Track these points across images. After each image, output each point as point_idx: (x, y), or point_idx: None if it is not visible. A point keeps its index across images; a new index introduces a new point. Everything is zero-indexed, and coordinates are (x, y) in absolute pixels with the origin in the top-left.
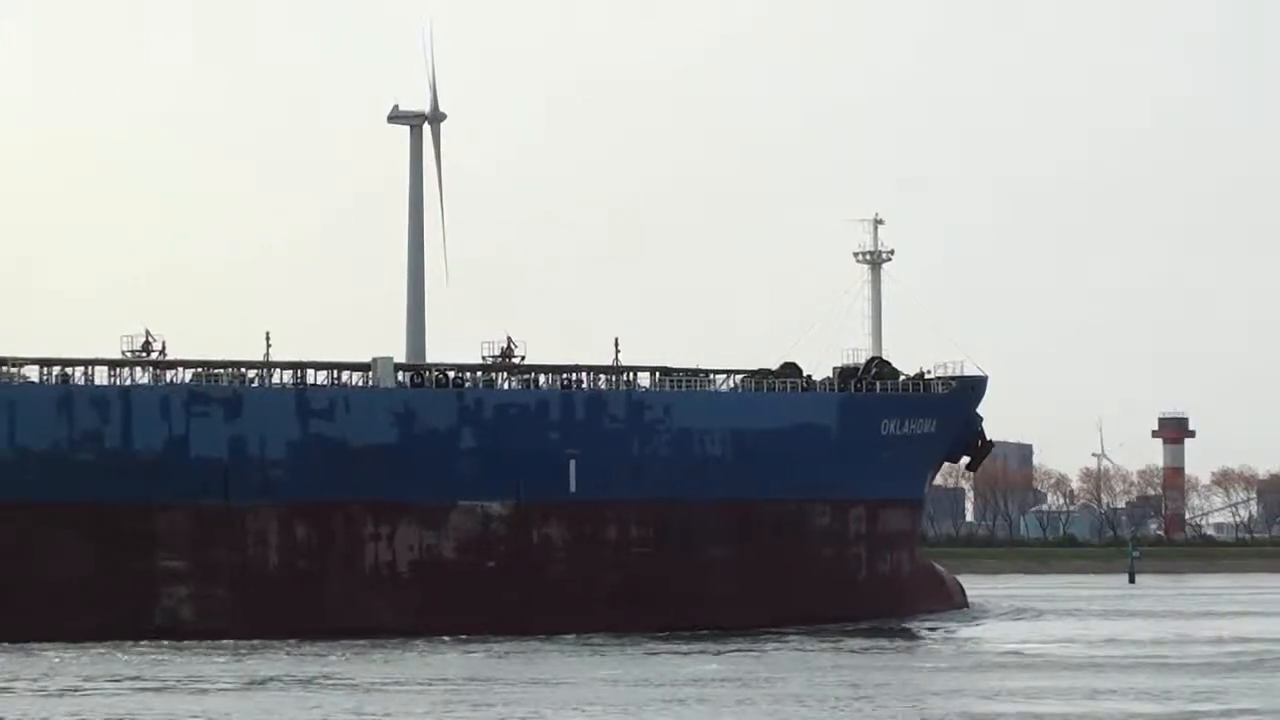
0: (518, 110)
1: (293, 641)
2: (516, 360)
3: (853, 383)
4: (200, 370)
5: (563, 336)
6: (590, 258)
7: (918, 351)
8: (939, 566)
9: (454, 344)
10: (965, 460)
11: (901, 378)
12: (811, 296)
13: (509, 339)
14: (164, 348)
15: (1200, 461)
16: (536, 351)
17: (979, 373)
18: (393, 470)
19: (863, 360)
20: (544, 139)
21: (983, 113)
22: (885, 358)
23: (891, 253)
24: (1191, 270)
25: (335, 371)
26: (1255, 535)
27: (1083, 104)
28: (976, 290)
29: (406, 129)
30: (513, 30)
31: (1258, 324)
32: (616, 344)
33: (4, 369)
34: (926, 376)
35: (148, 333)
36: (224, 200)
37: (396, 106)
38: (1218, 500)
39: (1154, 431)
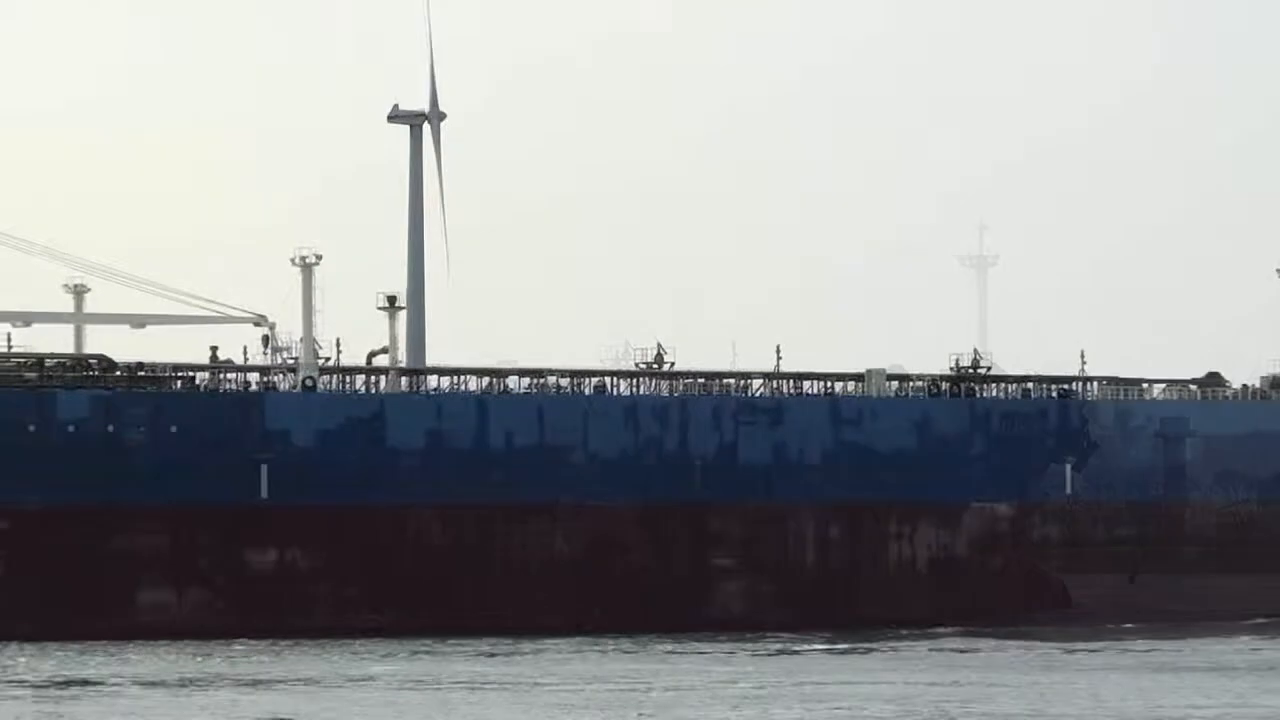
0: (518, 110)
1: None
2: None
3: None
4: (703, 380)
5: (562, 337)
6: (591, 258)
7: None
8: None
9: (453, 344)
10: None
11: None
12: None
13: (659, 345)
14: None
15: None
16: (535, 352)
17: None
18: (913, 474)
19: None
20: (544, 139)
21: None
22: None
23: (997, 256)
24: None
25: (830, 382)
26: None
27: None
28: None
29: (406, 129)
30: (513, 29)
31: None
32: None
33: (541, 379)
34: None
35: (659, 346)
36: (224, 200)
37: (396, 106)
38: None
39: None
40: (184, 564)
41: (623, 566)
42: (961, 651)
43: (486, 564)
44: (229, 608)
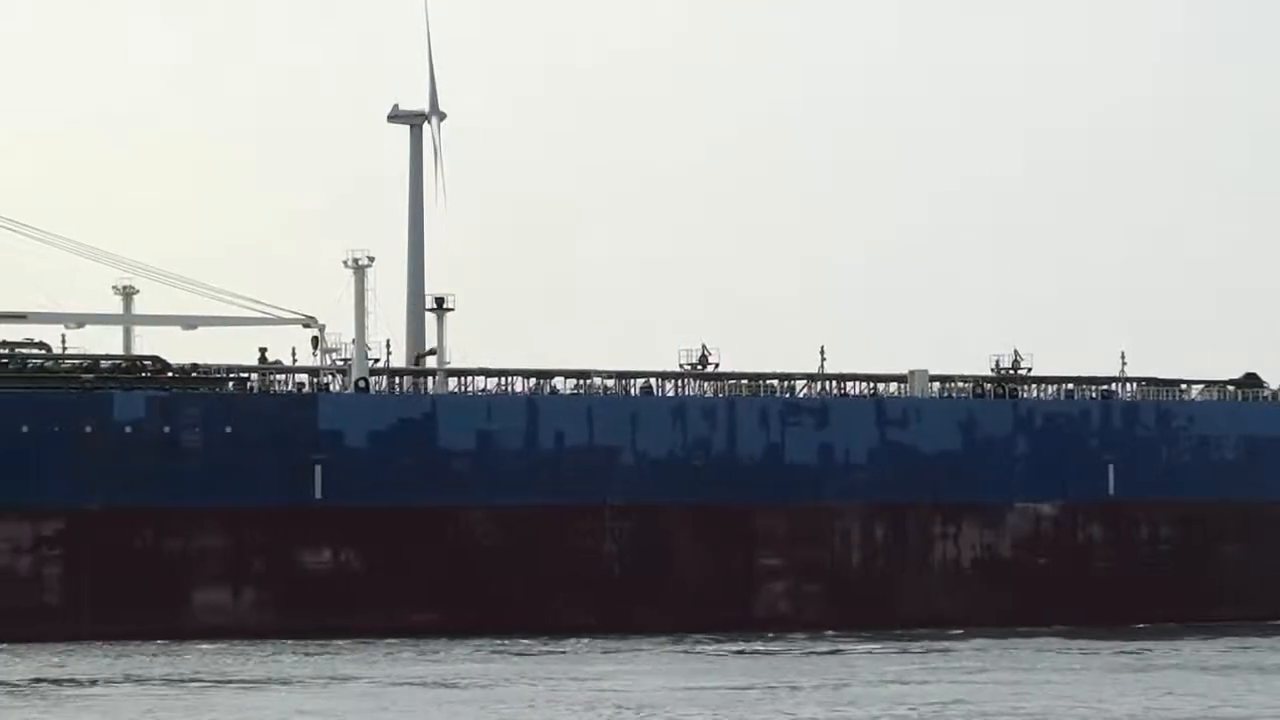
0: (518, 109)
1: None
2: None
3: None
4: (750, 381)
5: (563, 337)
6: (591, 258)
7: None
8: None
9: (454, 344)
10: None
11: None
12: None
13: (704, 347)
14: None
15: None
16: (534, 353)
17: None
18: (957, 474)
19: None
20: (545, 139)
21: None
22: None
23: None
24: None
25: (873, 384)
26: None
27: None
28: None
29: (406, 128)
30: (513, 29)
31: None
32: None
33: (589, 380)
34: None
35: (704, 347)
36: (223, 200)
37: (396, 106)
38: None
39: None
40: (239, 564)
41: (670, 566)
42: (1083, 653)
43: (536, 564)
44: (283, 607)
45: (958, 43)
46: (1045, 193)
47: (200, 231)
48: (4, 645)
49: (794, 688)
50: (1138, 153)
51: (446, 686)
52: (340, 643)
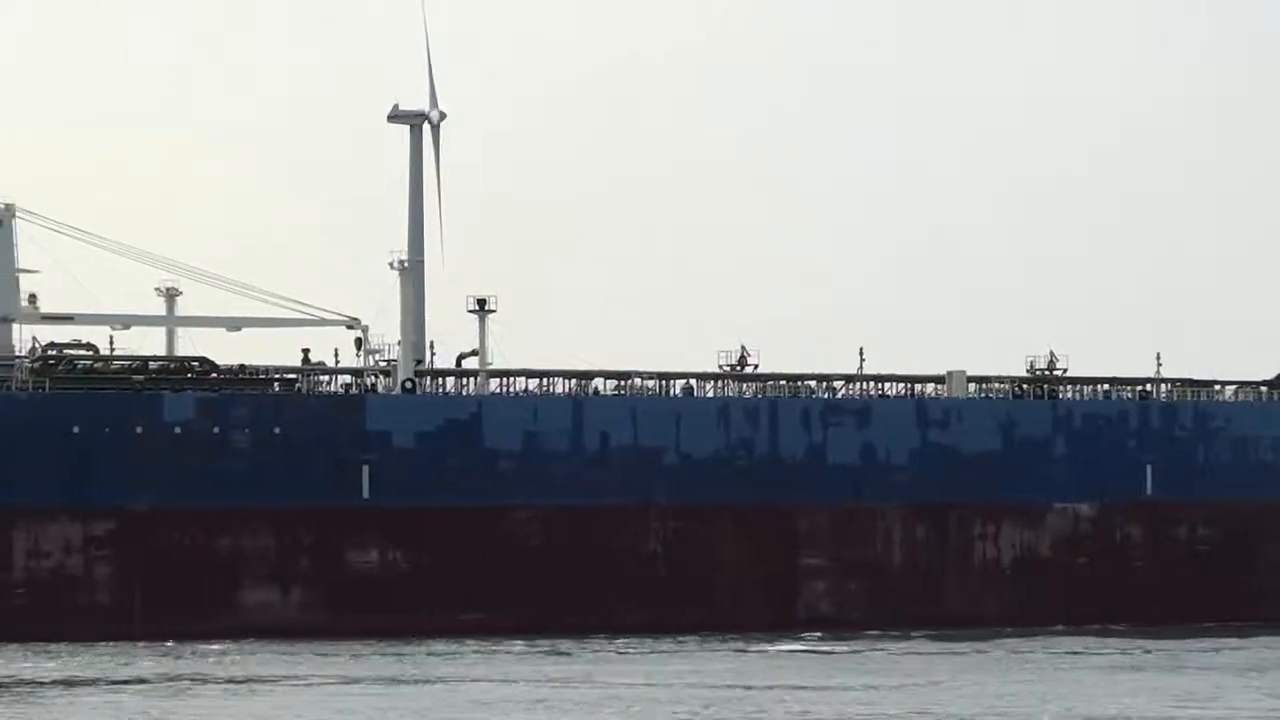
0: (518, 110)
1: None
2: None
3: None
4: (788, 382)
5: (562, 338)
6: (591, 258)
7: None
8: None
9: (454, 343)
10: None
11: None
12: None
13: (743, 348)
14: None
15: None
16: (533, 355)
17: None
18: (997, 474)
19: None
20: (545, 139)
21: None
22: None
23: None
24: None
25: (910, 385)
26: None
27: None
28: None
29: (406, 129)
30: (513, 29)
31: None
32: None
33: (630, 380)
34: None
35: (743, 348)
36: (221, 200)
37: (396, 106)
38: None
39: None
40: (287, 564)
41: (714, 566)
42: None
43: (582, 563)
44: (331, 607)
45: (989, 40)
46: (1076, 193)
47: (222, 231)
48: (62, 644)
49: (934, 683)
50: (1171, 152)
51: (574, 686)
52: (433, 644)
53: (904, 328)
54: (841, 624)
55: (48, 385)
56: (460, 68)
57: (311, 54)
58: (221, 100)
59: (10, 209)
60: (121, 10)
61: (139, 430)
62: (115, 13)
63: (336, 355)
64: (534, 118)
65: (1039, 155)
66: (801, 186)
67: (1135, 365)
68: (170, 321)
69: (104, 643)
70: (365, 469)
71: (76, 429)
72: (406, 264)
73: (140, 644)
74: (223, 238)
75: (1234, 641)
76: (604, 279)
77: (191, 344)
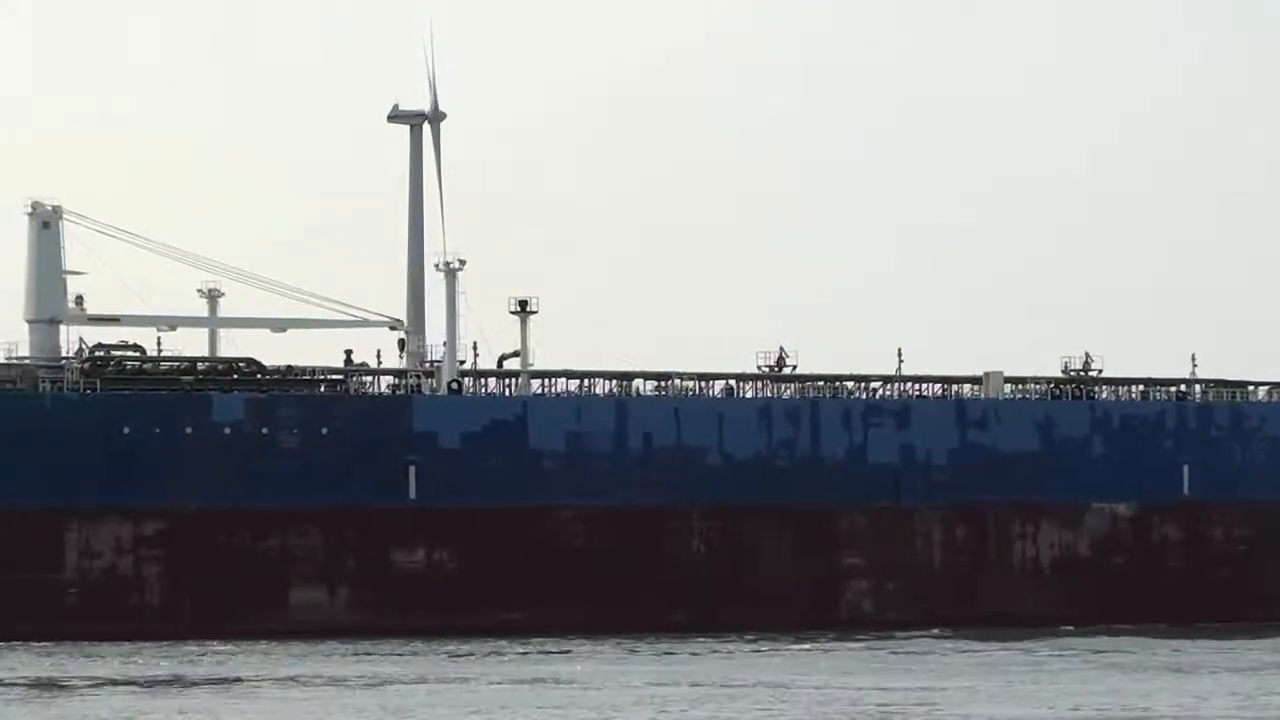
0: (518, 110)
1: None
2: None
3: None
4: (827, 383)
5: (565, 338)
6: (591, 257)
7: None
8: None
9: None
10: None
11: None
12: None
13: (781, 349)
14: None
15: None
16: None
17: None
18: (1035, 474)
19: None
20: (545, 138)
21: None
22: None
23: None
24: None
25: (947, 385)
26: None
27: None
28: None
29: (406, 129)
30: (513, 29)
31: None
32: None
33: (670, 381)
34: None
35: (781, 349)
36: (221, 199)
37: (396, 106)
38: None
39: None
40: (335, 564)
41: (756, 566)
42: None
43: (625, 563)
44: (377, 607)
45: (1014, 37)
46: (1109, 192)
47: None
48: (114, 644)
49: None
50: (1207, 152)
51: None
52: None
53: (938, 328)
54: (881, 624)
55: (98, 386)
56: (460, 68)
57: (311, 54)
58: (222, 100)
59: (58, 211)
60: (121, 10)
61: (188, 431)
62: (114, 13)
63: (379, 356)
64: (534, 118)
65: (1069, 153)
66: (830, 188)
67: (1165, 366)
68: (216, 322)
69: (154, 643)
70: (412, 469)
71: (127, 429)
72: (452, 265)
73: (191, 643)
74: (225, 237)
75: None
76: (634, 278)
77: (233, 345)
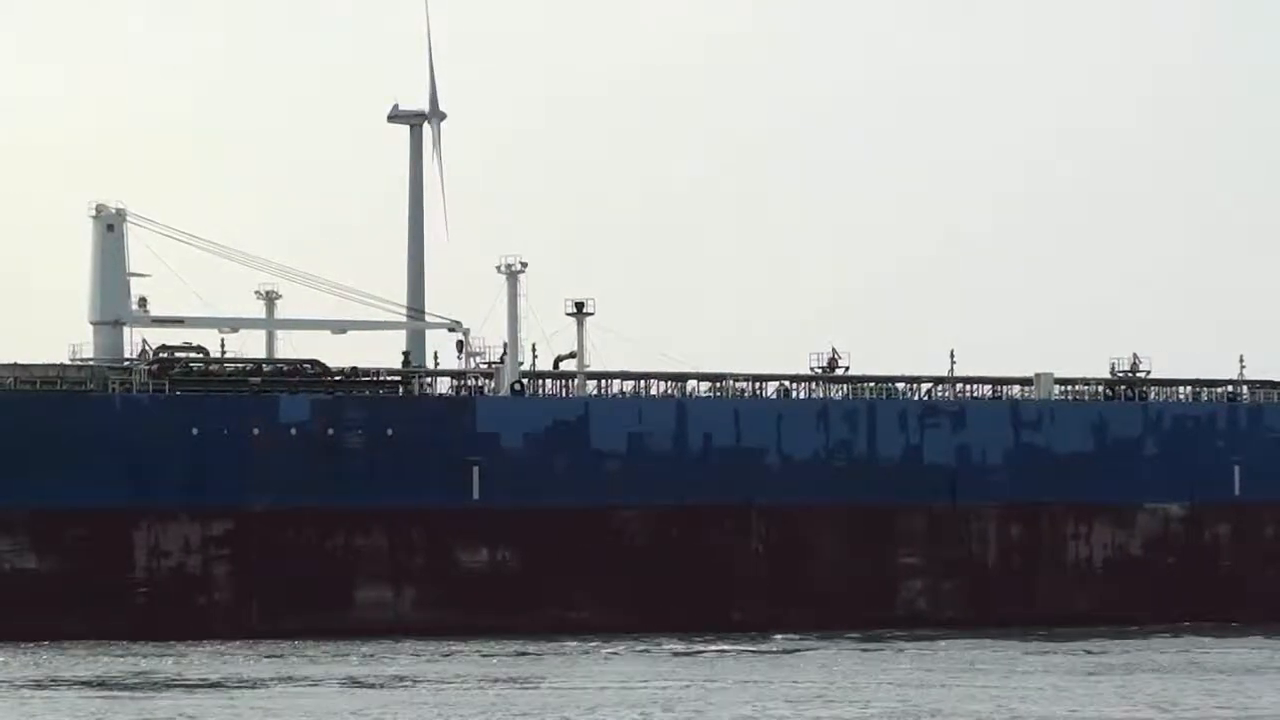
0: (518, 110)
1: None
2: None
3: None
4: (879, 384)
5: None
6: (590, 258)
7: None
8: None
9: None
10: None
11: None
12: None
13: (834, 350)
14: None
15: None
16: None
17: None
18: (1089, 475)
19: None
20: (544, 139)
21: None
22: None
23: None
24: None
25: (999, 386)
26: None
27: None
28: None
29: (406, 128)
30: (513, 29)
31: None
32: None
33: (726, 382)
34: None
35: (834, 350)
36: (221, 199)
37: (396, 106)
38: None
39: None
40: (400, 563)
41: (814, 566)
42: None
43: (686, 563)
44: (442, 606)
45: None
46: (1150, 195)
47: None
48: (182, 643)
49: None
50: (1252, 152)
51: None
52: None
53: (984, 329)
54: (937, 622)
55: (166, 387)
56: (460, 68)
57: (311, 54)
58: (221, 101)
59: (122, 214)
60: (121, 10)
61: (256, 431)
62: (114, 12)
63: (436, 358)
64: (536, 118)
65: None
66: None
67: (1211, 366)
68: (278, 324)
69: (222, 641)
70: (475, 470)
71: (195, 430)
72: (514, 268)
73: (260, 643)
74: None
75: None
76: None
77: (291, 346)
